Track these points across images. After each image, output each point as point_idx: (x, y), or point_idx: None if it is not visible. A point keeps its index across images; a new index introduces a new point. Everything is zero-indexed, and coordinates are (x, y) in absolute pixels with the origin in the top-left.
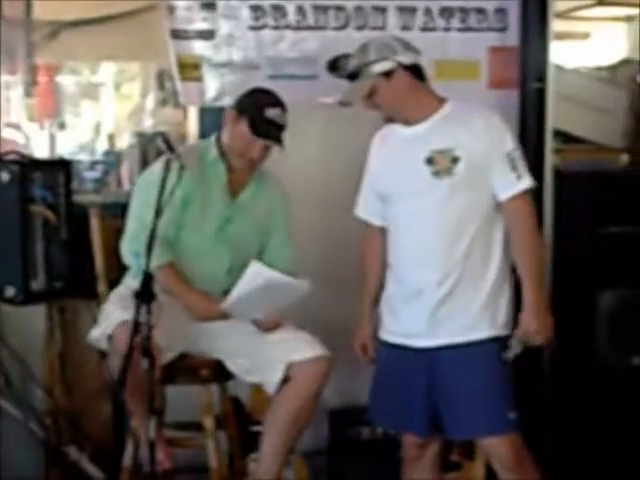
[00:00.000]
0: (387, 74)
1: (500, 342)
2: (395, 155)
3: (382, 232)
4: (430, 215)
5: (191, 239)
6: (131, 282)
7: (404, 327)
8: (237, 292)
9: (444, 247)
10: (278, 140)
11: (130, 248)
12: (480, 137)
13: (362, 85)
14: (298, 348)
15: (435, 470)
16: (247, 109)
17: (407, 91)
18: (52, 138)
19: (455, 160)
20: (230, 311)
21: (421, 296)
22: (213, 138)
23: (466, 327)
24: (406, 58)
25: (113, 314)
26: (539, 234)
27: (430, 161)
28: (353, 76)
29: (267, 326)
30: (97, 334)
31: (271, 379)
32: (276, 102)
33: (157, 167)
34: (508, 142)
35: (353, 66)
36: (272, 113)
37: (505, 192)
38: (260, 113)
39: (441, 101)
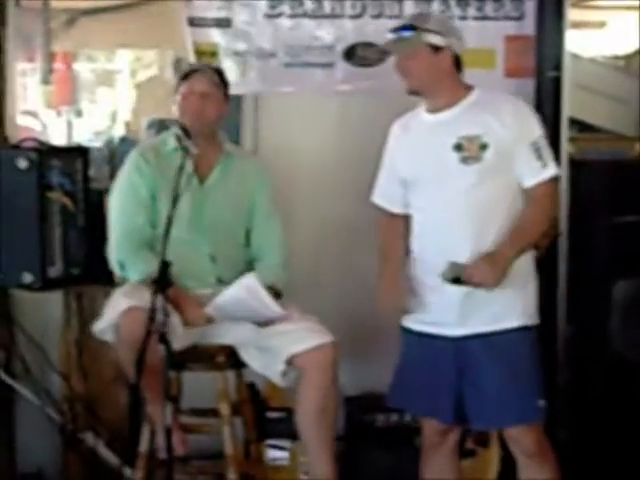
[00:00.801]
0: (436, 48)
1: (530, 331)
2: (420, 141)
3: (402, 219)
4: (458, 202)
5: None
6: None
7: (433, 316)
8: (223, 298)
9: (472, 235)
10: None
11: (115, 258)
12: (508, 124)
13: (411, 43)
14: (300, 339)
15: (454, 457)
16: (179, 78)
17: (444, 73)
18: (69, 125)
19: (484, 147)
20: (213, 314)
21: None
22: (173, 129)
23: (496, 316)
24: (457, 45)
25: (118, 303)
26: (549, 220)
27: (458, 147)
28: (403, 29)
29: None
30: (102, 326)
31: (274, 371)
32: (203, 64)
33: (125, 170)
34: (535, 130)
35: (409, 22)
36: (198, 64)
37: (529, 180)
38: (187, 69)
39: (468, 89)
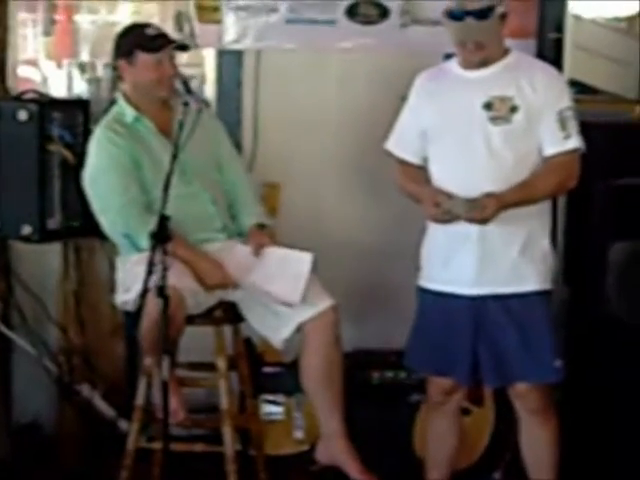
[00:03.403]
0: (502, 17)
1: (546, 295)
2: (449, 95)
3: (417, 168)
4: (480, 161)
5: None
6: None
7: (450, 275)
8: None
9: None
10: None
11: (118, 232)
12: (539, 90)
13: (489, 22)
14: (307, 305)
15: (456, 417)
16: (132, 45)
17: (504, 37)
18: (70, 77)
19: (514, 109)
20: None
21: (468, 243)
22: (120, 101)
23: (513, 278)
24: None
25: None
26: (558, 190)
27: (488, 106)
28: (481, 15)
29: (256, 251)
30: (126, 298)
31: (279, 336)
32: (146, 24)
33: (99, 149)
34: (564, 100)
35: (484, 6)
36: (152, 30)
37: (550, 148)
38: (144, 36)
39: (505, 51)
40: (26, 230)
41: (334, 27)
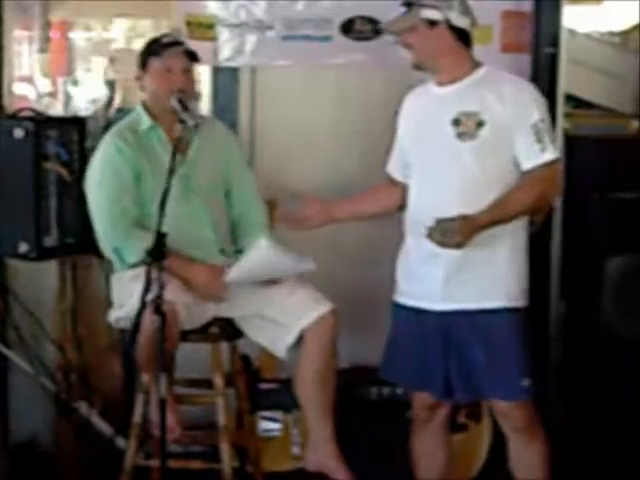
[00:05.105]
0: (431, 23)
1: (515, 312)
2: (424, 113)
3: (399, 188)
4: (449, 177)
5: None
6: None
7: (420, 290)
8: (240, 266)
9: (461, 211)
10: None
11: (108, 246)
12: (507, 104)
13: (405, 20)
14: (307, 311)
15: (444, 432)
16: (146, 54)
17: (442, 47)
18: (65, 94)
19: (480, 124)
20: (232, 282)
21: (436, 259)
22: (138, 108)
23: (480, 294)
24: (457, 20)
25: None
26: (536, 202)
27: (456, 122)
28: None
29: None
30: (121, 315)
31: (283, 344)
32: (165, 34)
33: (105, 155)
34: (535, 112)
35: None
36: (166, 39)
37: (527, 162)
38: (157, 45)
39: (476, 65)
40: (23, 248)
41: (329, 43)
